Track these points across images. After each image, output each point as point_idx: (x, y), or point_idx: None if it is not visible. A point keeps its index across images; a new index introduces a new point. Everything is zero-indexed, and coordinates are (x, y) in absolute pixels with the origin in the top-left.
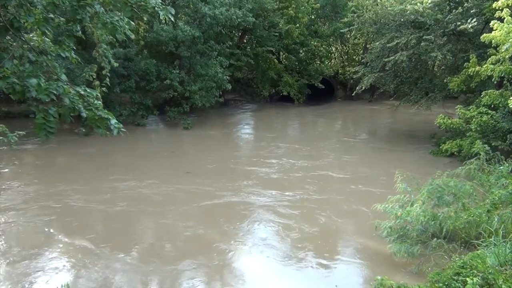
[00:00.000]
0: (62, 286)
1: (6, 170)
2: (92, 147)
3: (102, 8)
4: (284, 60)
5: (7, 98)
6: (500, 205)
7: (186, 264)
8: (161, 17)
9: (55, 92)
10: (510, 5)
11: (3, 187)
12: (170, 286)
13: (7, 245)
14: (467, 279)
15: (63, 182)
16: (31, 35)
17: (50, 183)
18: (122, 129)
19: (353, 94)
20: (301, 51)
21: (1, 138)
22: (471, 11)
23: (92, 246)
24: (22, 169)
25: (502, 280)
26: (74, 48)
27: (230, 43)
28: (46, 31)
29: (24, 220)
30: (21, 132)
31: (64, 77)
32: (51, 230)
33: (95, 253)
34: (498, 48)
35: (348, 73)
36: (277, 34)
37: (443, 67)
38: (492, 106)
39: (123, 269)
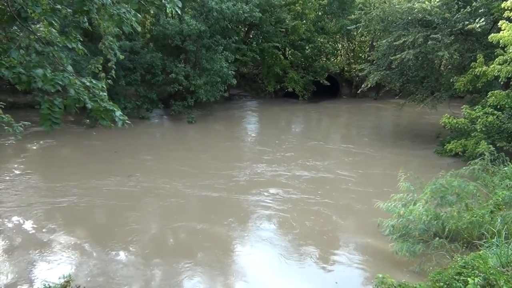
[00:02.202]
0: (64, 276)
1: (10, 161)
2: (97, 139)
3: (109, 0)
4: (290, 56)
5: (12, 88)
6: (504, 206)
7: (186, 259)
8: (168, 10)
9: (60, 83)
10: None
11: (6, 178)
12: (170, 282)
13: (8, 237)
14: (469, 279)
15: (66, 175)
16: (38, 25)
17: (53, 175)
18: (127, 121)
19: (358, 92)
20: (307, 47)
21: (6, 128)
22: (480, 11)
23: (92, 240)
24: (26, 160)
25: (503, 281)
26: (81, 39)
27: (236, 38)
28: (53, 22)
29: (26, 212)
30: (26, 123)
31: (70, 68)
32: (53, 223)
33: (95, 247)
34: (505, 49)
35: (354, 70)
36: (283, 30)
37: (449, 66)
38: (498, 106)
39: (124, 263)
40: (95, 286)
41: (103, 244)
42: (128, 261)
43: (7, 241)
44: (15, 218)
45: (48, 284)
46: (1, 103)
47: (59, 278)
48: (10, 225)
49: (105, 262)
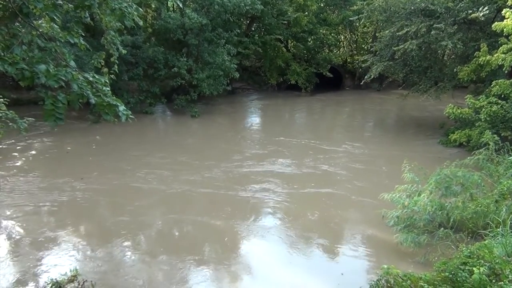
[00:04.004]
0: (71, 271)
1: (14, 156)
2: (101, 135)
3: None
4: (292, 49)
5: (16, 85)
6: (509, 196)
7: (192, 253)
8: (169, 4)
9: (63, 78)
10: None
11: (8, 176)
12: (177, 275)
13: (12, 235)
14: (474, 268)
15: (68, 171)
16: (40, 21)
17: (56, 171)
18: (131, 116)
19: (361, 83)
20: (309, 39)
21: (11, 124)
22: None
23: (96, 236)
24: (30, 157)
25: (509, 270)
26: (83, 34)
27: (238, 31)
28: (55, 17)
29: (29, 209)
30: (30, 119)
31: (72, 63)
32: (55, 219)
33: (99, 242)
34: (509, 37)
35: (357, 61)
36: (285, 22)
37: (453, 56)
38: (502, 96)
39: (129, 258)
40: (101, 281)
41: (107, 239)
42: (133, 256)
43: (10, 238)
44: (18, 216)
45: (55, 279)
46: (5, 99)
47: (65, 273)
48: (13, 222)
49: (110, 257)
